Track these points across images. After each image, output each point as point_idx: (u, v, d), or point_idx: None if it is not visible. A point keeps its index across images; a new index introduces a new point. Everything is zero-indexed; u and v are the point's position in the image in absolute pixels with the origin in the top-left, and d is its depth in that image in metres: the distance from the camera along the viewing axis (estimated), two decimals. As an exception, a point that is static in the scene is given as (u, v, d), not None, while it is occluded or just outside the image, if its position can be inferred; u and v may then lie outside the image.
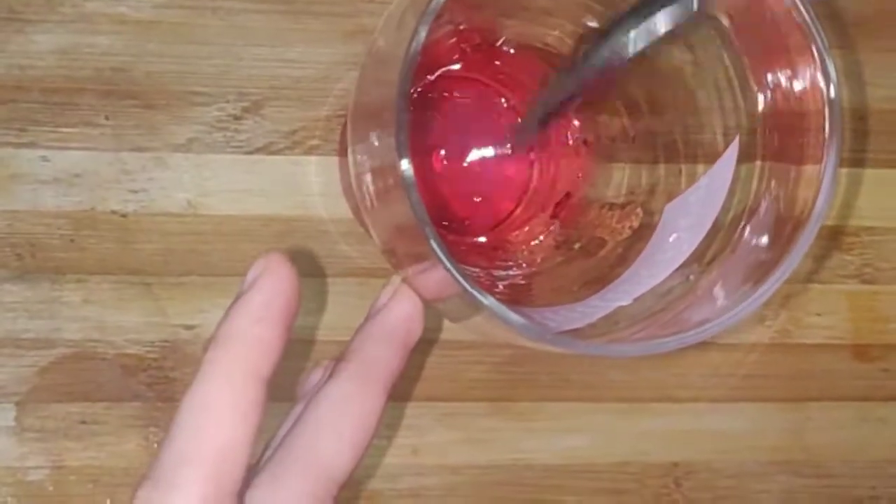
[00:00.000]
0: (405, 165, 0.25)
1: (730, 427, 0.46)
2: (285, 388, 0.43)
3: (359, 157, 0.29)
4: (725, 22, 0.30)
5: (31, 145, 0.42)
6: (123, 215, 0.42)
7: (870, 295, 0.47)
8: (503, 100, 0.40)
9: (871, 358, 0.46)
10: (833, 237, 0.46)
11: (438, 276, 0.25)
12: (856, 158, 0.46)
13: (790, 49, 0.29)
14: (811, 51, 0.28)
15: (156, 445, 0.43)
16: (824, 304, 0.46)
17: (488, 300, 0.25)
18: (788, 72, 0.29)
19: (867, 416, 0.47)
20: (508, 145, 0.39)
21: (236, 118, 0.43)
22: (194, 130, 0.43)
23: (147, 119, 0.42)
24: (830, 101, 0.28)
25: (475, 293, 0.24)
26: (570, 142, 0.39)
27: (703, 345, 0.44)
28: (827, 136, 0.28)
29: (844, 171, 0.46)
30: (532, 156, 0.40)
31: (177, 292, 0.43)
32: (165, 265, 0.43)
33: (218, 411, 0.26)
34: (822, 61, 0.28)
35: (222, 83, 0.43)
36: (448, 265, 0.24)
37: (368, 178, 0.28)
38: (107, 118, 0.42)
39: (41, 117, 0.42)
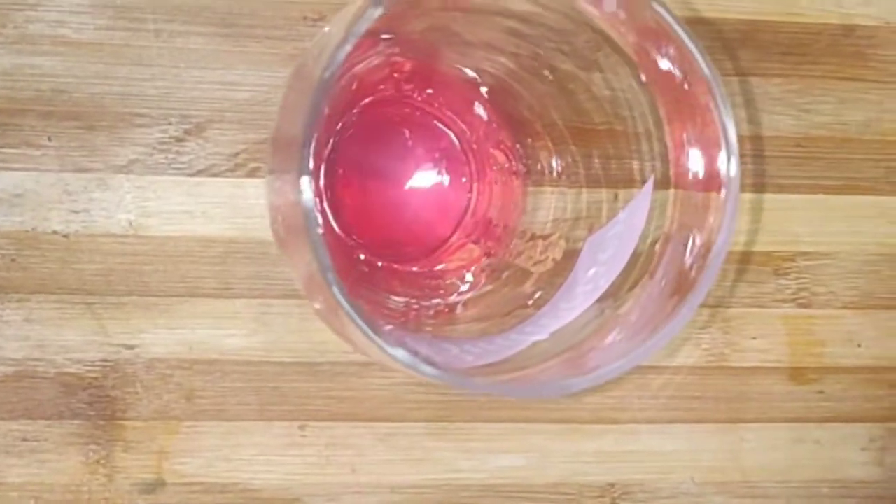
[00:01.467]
0: (307, 203, 0.25)
1: (666, 448, 0.46)
2: (224, 408, 0.43)
3: (273, 187, 0.29)
4: (634, 57, 0.31)
5: (-27, 166, 0.42)
6: (65, 235, 0.43)
7: (806, 319, 0.47)
8: (438, 124, 0.40)
9: (806, 380, 0.47)
10: (770, 262, 0.47)
11: (348, 325, 0.25)
12: (793, 184, 0.47)
13: (689, 87, 0.29)
14: (712, 97, 0.28)
15: (96, 462, 0.43)
16: (761, 328, 0.47)
17: (397, 353, 0.25)
18: (691, 108, 0.29)
19: (803, 437, 0.47)
20: (444, 171, 0.40)
21: (178, 140, 0.43)
22: (136, 152, 0.43)
23: (89, 140, 0.43)
24: (726, 137, 0.28)
25: (385, 348, 0.25)
26: (503, 171, 0.39)
27: (638, 367, 0.45)
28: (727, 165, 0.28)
29: (780, 196, 0.47)
30: (469, 185, 0.40)
31: (118, 312, 0.43)
32: (107, 285, 0.43)
33: None
34: (720, 110, 0.28)
35: (164, 105, 0.43)
36: (353, 316, 0.24)
37: (281, 211, 0.28)
38: (49, 139, 0.42)
39: (-17, 138, 0.42)
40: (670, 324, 0.30)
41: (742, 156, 0.43)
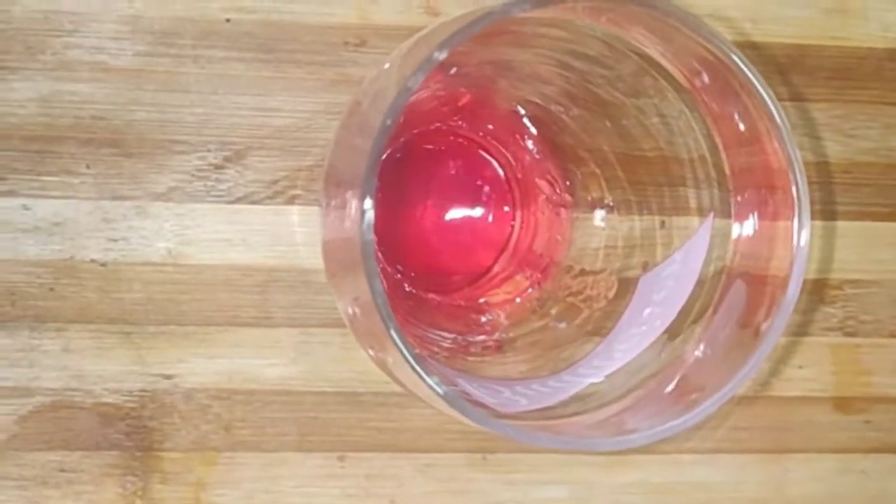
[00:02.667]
0: (368, 240, 0.24)
1: (710, 478, 0.46)
2: (263, 439, 0.43)
3: (326, 220, 0.28)
4: (686, 84, 0.30)
5: (11, 194, 0.42)
6: (103, 264, 0.42)
7: (852, 347, 0.47)
8: (485, 154, 0.40)
9: (853, 410, 0.46)
10: (816, 290, 0.46)
11: (399, 364, 0.25)
12: (839, 211, 0.46)
13: (752, 116, 0.29)
14: (773, 121, 0.28)
15: (134, 494, 0.43)
16: (806, 357, 0.46)
17: (448, 396, 0.25)
18: (751, 137, 0.29)
19: (849, 468, 0.47)
20: (488, 201, 0.39)
21: (217, 167, 0.43)
22: (175, 179, 0.43)
23: (128, 168, 0.42)
24: (792, 165, 0.28)
25: (436, 388, 0.24)
26: (549, 201, 0.38)
27: (684, 398, 0.44)
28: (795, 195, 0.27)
29: (826, 223, 0.46)
30: (513, 214, 0.40)
31: (156, 342, 0.43)
32: (145, 314, 0.43)
33: None
34: (785, 145, 0.27)
35: (203, 132, 0.43)
36: (408, 358, 0.24)
37: (334, 244, 0.28)
38: (87, 166, 0.42)
39: (21, 165, 0.42)
40: (747, 365, 0.29)
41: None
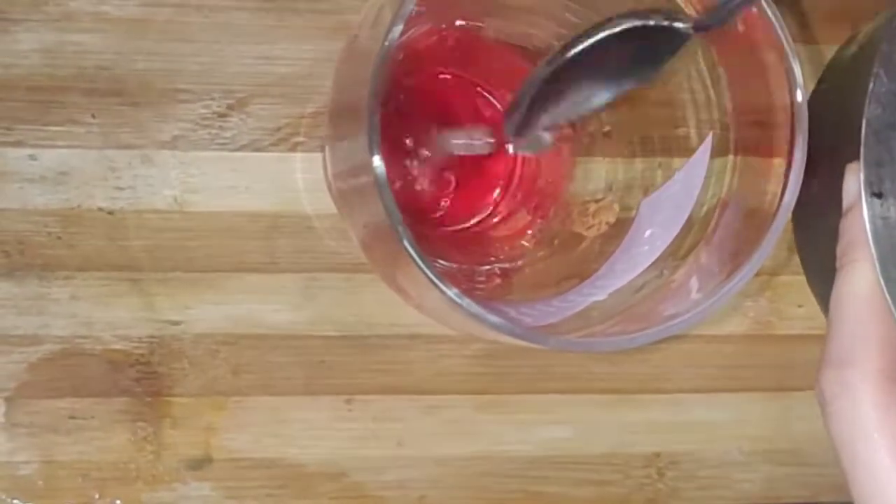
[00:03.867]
0: (377, 164, 0.25)
1: (713, 417, 0.46)
2: (271, 383, 0.43)
3: (334, 155, 0.29)
4: (693, 15, 0.31)
5: (18, 144, 0.42)
6: (110, 212, 0.43)
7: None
8: (487, 94, 0.40)
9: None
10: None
11: (414, 276, 0.25)
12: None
13: (758, 51, 0.29)
14: (779, 52, 0.28)
15: (144, 439, 0.43)
16: (807, 296, 0.46)
17: (463, 301, 0.25)
18: (757, 71, 0.29)
19: (849, 405, 0.47)
20: (491, 138, 0.40)
21: (221, 115, 0.43)
22: (180, 128, 0.43)
23: (133, 117, 0.43)
24: (794, 103, 0.28)
25: (451, 295, 0.25)
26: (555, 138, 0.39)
27: (685, 336, 0.45)
28: (792, 133, 0.28)
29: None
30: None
31: (164, 288, 0.43)
32: (153, 262, 0.43)
33: (877, 305, 0.31)
34: (788, 65, 0.28)
35: (207, 81, 0.43)
36: (422, 267, 0.25)
37: (344, 175, 0.28)
38: (93, 116, 0.42)
39: (27, 116, 0.42)
40: (725, 288, 0.30)
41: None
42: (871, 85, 0.31)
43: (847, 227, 0.32)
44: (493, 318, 0.25)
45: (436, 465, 0.45)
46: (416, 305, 0.30)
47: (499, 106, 0.39)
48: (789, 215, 0.29)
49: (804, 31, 0.46)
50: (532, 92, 0.31)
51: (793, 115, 0.28)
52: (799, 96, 0.29)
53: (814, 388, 0.33)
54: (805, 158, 0.29)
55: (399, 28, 0.27)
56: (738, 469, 0.47)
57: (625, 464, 0.46)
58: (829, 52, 0.43)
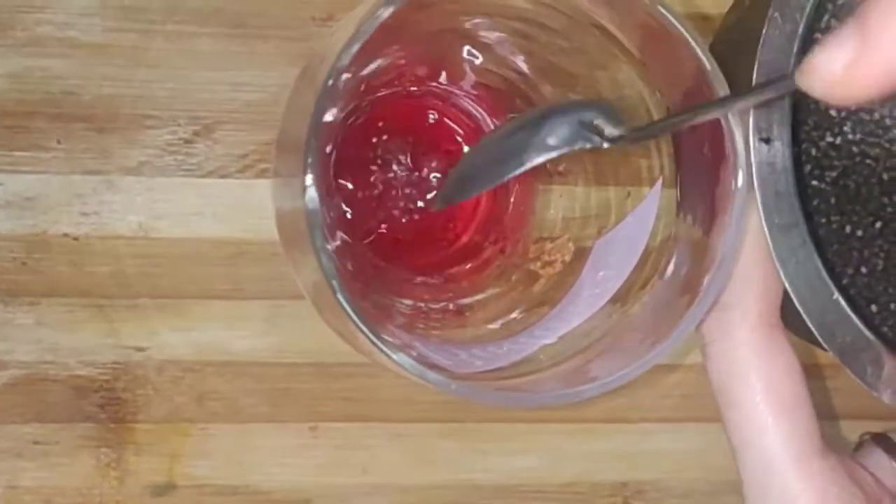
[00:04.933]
0: (311, 208, 0.25)
1: (679, 447, 0.46)
2: (236, 410, 0.43)
3: (279, 191, 0.29)
4: (639, 56, 0.31)
5: (-17, 170, 0.42)
6: (75, 238, 0.43)
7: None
8: (447, 122, 0.40)
9: (817, 377, 0.47)
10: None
11: (353, 331, 0.25)
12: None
13: (697, 89, 0.29)
14: (713, 94, 0.28)
15: (108, 465, 0.43)
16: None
17: (401, 359, 0.25)
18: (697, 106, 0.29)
19: (817, 436, 0.47)
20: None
21: (187, 142, 0.43)
22: (146, 154, 0.43)
23: (98, 142, 0.43)
24: (735, 148, 0.28)
25: (389, 353, 0.25)
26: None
27: (652, 366, 0.45)
28: (736, 184, 0.28)
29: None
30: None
31: (129, 314, 0.43)
32: (118, 287, 0.43)
33: (760, 252, 0.31)
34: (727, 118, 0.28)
35: (173, 107, 0.43)
36: (359, 325, 0.24)
37: (286, 215, 0.28)
38: (58, 142, 0.42)
39: (-7, 141, 0.42)
40: (679, 327, 0.29)
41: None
42: (764, 28, 0.31)
43: None
44: (433, 376, 0.25)
45: (401, 493, 0.45)
46: (366, 356, 0.30)
47: (465, 139, 0.39)
48: (740, 246, 0.29)
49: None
50: (462, 173, 0.31)
51: (733, 149, 0.28)
52: (737, 134, 0.29)
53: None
54: (748, 191, 0.29)
55: (348, 58, 0.27)
56: (705, 498, 0.46)
57: (590, 492, 0.46)
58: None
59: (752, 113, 0.31)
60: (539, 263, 0.36)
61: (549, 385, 0.29)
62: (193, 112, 0.43)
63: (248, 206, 0.44)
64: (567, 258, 0.35)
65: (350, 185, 0.38)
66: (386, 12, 0.25)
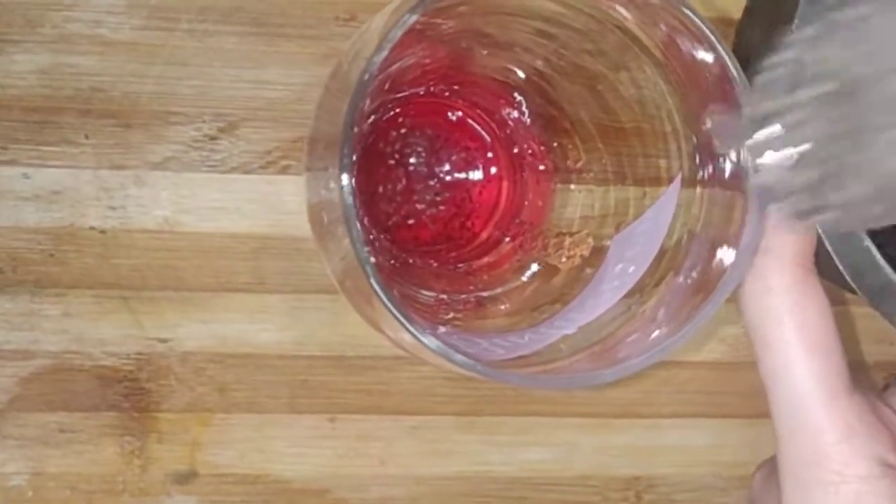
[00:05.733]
0: (347, 196, 0.26)
1: (691, 442, 0.47)
2: (256, 401, 0.44)
3: (309, 184, 0.30)
4: (661, 58, 0.32)
5: (12, 163, 0.43)
6: (102, 231, 0.44)
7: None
8: (470, 121, 0.41)
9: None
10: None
11: (384, 315, 0.26)
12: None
13: (716, 90, 0.30)
14: (735, 96, 0.29)
15: (131, 453, 0.44)
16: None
17: (430, 341, 0.26)
18: (718, 109, 0.30)
19: (826, 432, 0.48)
20: (475, 168, 0.41)
21: (212, 138, 0.44)
22: (171, 150, 0.44)
23: (125, 138, 0.44)
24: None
25: (418, 335, 0.26)
26: (532, 168, 0.40)
27: (663, 362, 0.45)
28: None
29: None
30: (499, 181, 0.41)
31: (153, 307, 0.44)
32: (143, 280, 0.44)
33: None
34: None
35: (199, 104, 0.44)
36: (389, 306, 0.25)
37: (317, 207, 0.29)
38: (86, 137, 0.43)
39: (22, 135, 0.43)
40: (694, 320, 0.30)
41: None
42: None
43: None
44: (460, 358, 0.26)
45: (417, 484, 0.46)
46: (391, 340, 0.31)
47: (486, 136, 0.40)
48: (755, 246, 0.30)
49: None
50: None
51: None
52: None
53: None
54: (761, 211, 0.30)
55: (379, 59, 0.28)
56: (716, 493, 0.47)
57: (604, 486, 0.47)
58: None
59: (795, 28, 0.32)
60: (559, 258, 0.37)
61: (570, 371, 0.30)
62: (218, 109, 0.44)
63: (271, 202, 0.44)
64: (586, 253, 0.36)
65: (375, 180, 0.39)
66: (413, 17, 0.26)
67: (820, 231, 0.32)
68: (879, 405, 0.34)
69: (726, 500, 0.47)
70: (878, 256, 0.33)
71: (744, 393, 0.47)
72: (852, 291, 0.35)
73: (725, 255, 0.31)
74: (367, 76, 0.26)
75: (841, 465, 0.32)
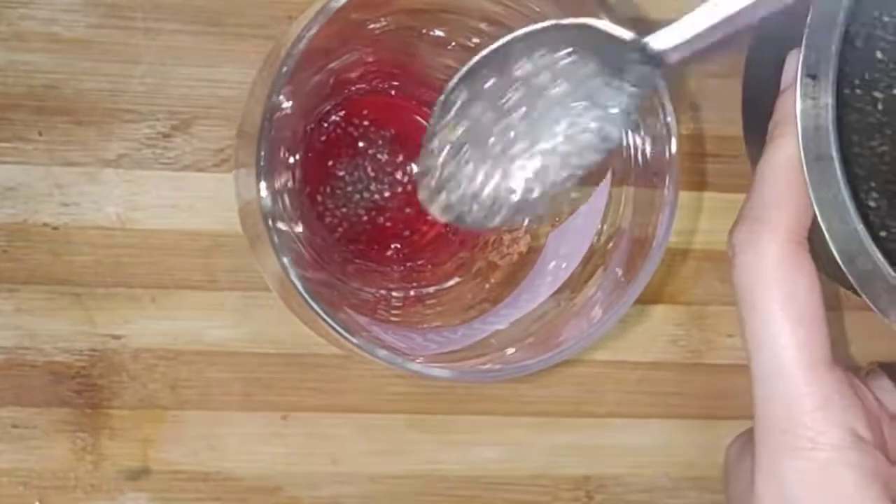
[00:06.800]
0: (265, 199, 0.26)
1: (642, 442, 0.47)
2: (208, 398, 0.44)
3: (239, 182, 0.30)
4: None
5: (-34, 159, 0.43)
6: (55, 228, 0.44)
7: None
8: (416, 117, 0.41)
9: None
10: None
11: (312, 317, 0.26)
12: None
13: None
14: (657, 95, 0.29)
15: (83, 449, 0.44)
16: (735, 326, 0.47)
17: (357, 340, 0.26)
18: (646, 110, 0.30)
19: (778, 434, 0.48)
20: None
21: (165, 136, 0.44)
22: (125, 147, 0.44)
23: (79, 135, 0.44)
24: (670, 155, 0.29)
25: (337, 328, 0.26)
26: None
27: (616, 362, 0.46)
28: (668, 176, 0.29)
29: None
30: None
31: (105, 303, 0.44)
32: (95, 276, 0.44)
33: (795, 175, 0.34)
34: (664, 110, 0.29)
35: (152, 102, 0.44)
36: (317, 310, 0.25)
37: (247, 206, 0.29)
38: (40, 133, 0.44)
39: (-24, 132, 0.43)
40: (612, 312, 0.31)
41: (711, 155, 0.45)
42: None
43: (781, 104, 0.35)
44: (383, 353, 0.26)
45: (369, 482, 0.46)
46: (325, 338, 0.31)
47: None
48: (667, 241, 0.31)
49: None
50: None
51: (669, 164, 0.30)
52: (674, 147, 0.30)
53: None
54: (676, 201, 0.30)
55: (301, 47, 0.28)
56: (666, 494, 0.47)
57: (554, 486, 0.47)
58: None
59: (803, 48, 0.33)
60: (498, 255, 0.37)
61: (500, 363, 0.30)
62: (171, 107, 0.44)
63: (224, 200, 0.44)
64: (523, 250, 0.36)
65: (319, 178, 0.39)
66: (337, 4, 0.26)
67: (816, 210, 0.34)
68: (857, 383, 0.36)
69: (677, 501, 0.48)
70: (870, 240, 0.34)
71: (695, 395, 0.48)
72: (843, 281, 0.36)
73: (644, 248, 0.31)
74: (285, 68, 0.26)
75: (814, 432, 0.33)
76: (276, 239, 0.26)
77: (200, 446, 0.45)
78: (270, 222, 0.26)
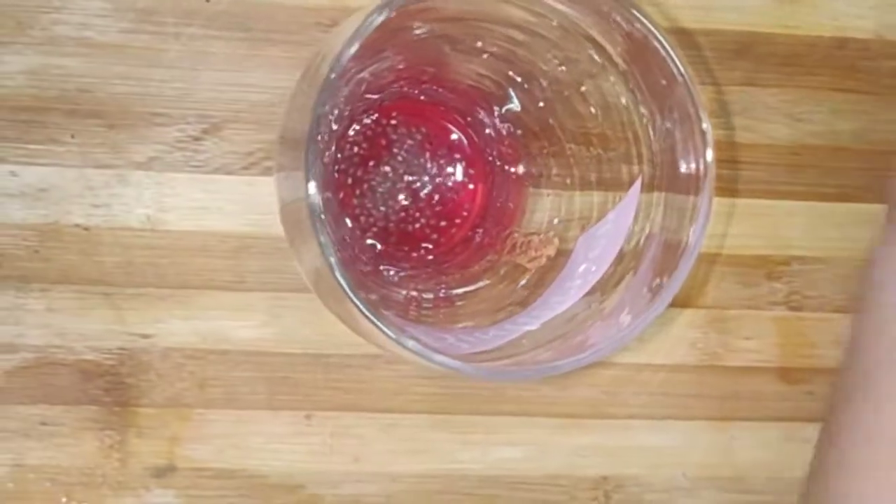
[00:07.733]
0: (312, 200, 0.27)
1: (659, 443, 0.48)
2: (235, 397, 0.45)
3: (282, 184, 0.31)
4: (623, 66, 0.33)
5: (0, 161, 0.44)
6: (86, 228, 0.45)
7: (797, 321, 0.49)
8: (446, 124, 0.42)
9: (795, 381, 0.49)
10: (763, 265, 0.48)
11: (357, 317, 0.27)
12: (787, 191, 0.48)
13: (675, 98, 0.31)
14: (691, 103, 0.30)
15: (111, 447, 0.45)
16: (753, 329, 0.48)
17: (408, 342, 0.27)
18: (675, 117, 0.31)
19: (792, 436, 0.49)
20: (450, 170, 0.42)
21: (196, 139, 0.45)
22: (155, 150, 0.45)
23: (110, 138, 0.45)
24: (706, 164, 0.30)
25: (396, 338, 0.27)
26: (504, 172, 0.41)
27: (635, 365, 0.47)
28: (702, 180, 0.30)
29: (775, 202, 0.48)
30: (472, 183, 0.42)
31: (135, 303, 0.45)
32: (125, 277, 0.45)
33: None
34: (699, 117, 0.30)
35: (183, 105, 0.45)
36: (365, 313, 0.26)
37: (289, 208, 0.30)
38: (72, 136, 0.44)
39: (10, 134, 0.44)
40: (643, 316, 0.31)
41: (739, 162, 0.46)
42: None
43: None
44: (439, 358, 0.27)
45: (391, 481, 0.47)
46: (368, 340, 0.32)
47: (463, 140, 0.41)
48: (699, 247, 0.31)
49: (733, 75, 0.48)
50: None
51: (704, 173, 0.30)
52: (709, 157, 0.31)
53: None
54: (711, 209, 0.31)
55: (345, 59, 0.29)
56: (683, 494, 0.48)
57: (572, 486, 0.47)
58: (769, 95, 0.45)
59: None
60: (527, 258, 0.38)
61: (531, 364, 0.31)
62: (202, 111, 0.45)
63: (252, 202, 0.45)
64: (552, 253, 0.37)
65: (351, 181, 0.40)
66: (380, 18, 0.27)
67: None
68: None
69: (693, 501, 0.48)
70: None
71: (712, 396, 0.48)
72: None
73: (677, 253, 0.32)
74: (332, 76, 0.27)
75: None
76: (321, 238, 0.26)
77: (226, 444, 0.46)
78: (318, 222, 0.27)
